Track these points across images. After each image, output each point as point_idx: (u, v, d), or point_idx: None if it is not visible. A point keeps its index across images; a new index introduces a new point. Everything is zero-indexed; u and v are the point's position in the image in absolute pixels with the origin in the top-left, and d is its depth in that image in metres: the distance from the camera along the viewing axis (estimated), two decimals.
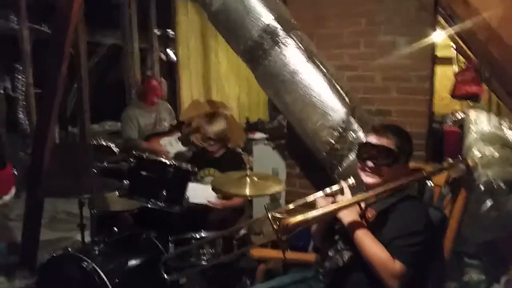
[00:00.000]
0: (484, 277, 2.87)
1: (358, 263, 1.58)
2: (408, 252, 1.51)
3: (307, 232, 1.71)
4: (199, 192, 2.63)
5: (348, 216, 1.60)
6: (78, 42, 4.30)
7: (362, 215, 1.65)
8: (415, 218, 1.57)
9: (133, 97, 5.12)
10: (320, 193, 1.71)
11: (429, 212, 1.68)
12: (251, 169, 3.37)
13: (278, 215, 1.50)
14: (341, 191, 1.68)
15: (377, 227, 1.60)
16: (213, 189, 2.41)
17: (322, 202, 1.66)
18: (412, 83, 2.90)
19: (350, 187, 1.67)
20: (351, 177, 1.69)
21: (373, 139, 1.69)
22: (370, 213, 1.65)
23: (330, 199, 1.67)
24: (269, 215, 1.51)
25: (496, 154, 3.02)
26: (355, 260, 1.60)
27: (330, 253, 1.75)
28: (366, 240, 1.54)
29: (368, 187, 1.68)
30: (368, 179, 1.68)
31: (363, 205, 1.66)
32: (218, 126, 3.04)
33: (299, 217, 1.50)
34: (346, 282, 1.66)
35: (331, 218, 1.69)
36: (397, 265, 1.49)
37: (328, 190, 1.70)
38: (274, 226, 1.48)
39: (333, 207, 1.59)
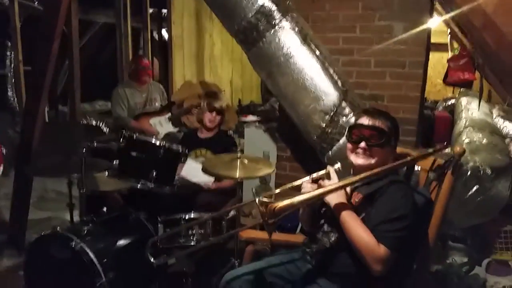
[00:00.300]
0: (467, 260, 2.92)
1: (344, 245, 1.60)
2: (393, 237, 1.52)
3: (294, 214, 1.71)
4: (199, 172, 2.62)
5: (334, 200, 1.61)
6: (70, 20, 4.21)
7: (349, 199, 1.67)
8: (401, 203, 1.58)
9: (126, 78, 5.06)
10: (307, 178, 1.72)
11: (415, 196, 1.70)
12: (242, 151, 3.37)
13: (265, 200, 1.51)
14: (327, 176, 1.68)
15: (364, 211, 1.62)
16: (204, 170, 2.40)
17: (308, 187, 1.68)
18: (405, 68, 2.89)
19: (336, 171, 1.68)
20: (338, 162, 1.71)
21: (365, 120, 1.70)
22: (357, 197, 1.67)
23: (316, 185, 1.68)
24: (256, 200, 1.52)
25: (485, 141, 3.05)
26: (341, 242, 1.62)
27: (318, 235, 1.78)
28: (352, 223, 1.56)
29: (358, 169, 1.70)
30: (359, 160, 1.69)
31: (349, 189, 1.68)
32: (224, 101, 3.10)
33: (285, 202, 1.51)
34: (332, 263, 1.69)
35: (318, 202, 1.71)
36: (381, 249, 1.51)
37: (315, 175, 1.70)
38: (261, 210, 1.49)
39: (319, 191, 1.60)
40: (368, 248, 1.51)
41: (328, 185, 1.63)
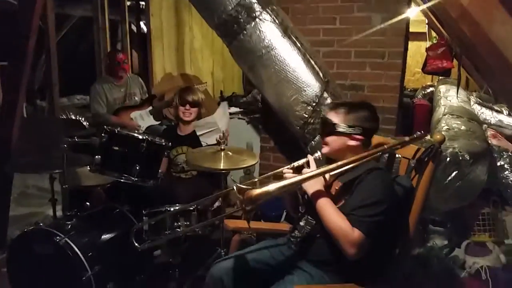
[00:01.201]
0: (447, 242, 3.01)
1: (324, 232, 1.64)
2: (367, 222, 1.57)
3: (278, 203, 1.75)
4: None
5: (312, 187, 1.67)
6: (46, 14, 4.12)
7: (329, 187, 1.73)
8: (378, 189, 1.63)
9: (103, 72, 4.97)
10: (287, 167, 1.77)
11: (396, 183, 1.75)
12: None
13: (243, 186, 1.53)
14: (307, 164, 1.74)
15: (343, 198, 1.68)
16: (188, 163, 2.41)
17: (289, 175, 1.72)
18: (385, 59, 2.94)
19: (316, 160, 1.74)
20: (318, 151, 1.77)
21: (325, 114, 1.82)
22: (337, 185, 1.72)
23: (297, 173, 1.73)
24: (234, 186, 1.55)
25: (463, 127, 3.13)
26: (321, 229, 1.66)
27: (301, 223, 1.82)
28: (328, 209, 1.61)
29: (328, 159, 1.79)
30: (322, 150, 1.80)
31: (330, 178, 1.72)
32: (197, 95, 3.03)
33: (262, 189, 1.53)
34: (314, 250, 1.75)
35: (297, 190, 1.77)
36: (355, 234, 1.55)
37: (295, 163, 1.76)
38: (239, 197, 1.52)
39: (295, 179, 1.63)
40: (342, 232, 1.56)
41: (305, 173, 1.68)
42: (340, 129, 1.72)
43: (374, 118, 1.78)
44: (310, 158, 1.75)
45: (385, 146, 1.71)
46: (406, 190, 1.77)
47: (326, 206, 1.62)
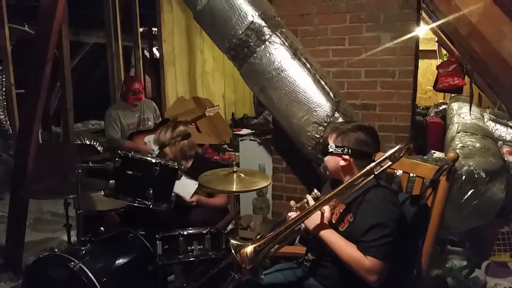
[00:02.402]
0: (466, 263, 2.94)
1: (330, 256, 1.66)
2: (376, 246, 1.54)
3: None
4: (182, 184, 2.60)
5: (312, 224, 1.68)
6: (61, 42, 4.23)
7: (332, 211, 1.75)
8: (377, 209, 1.61)
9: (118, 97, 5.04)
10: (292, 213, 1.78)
11: (410, 202, 1.74)
12: (237, 165, 3.37)
13: (238, 243, 1.56)
14: (307, 203, 1.76)
15: (346, 220, 1.69)
16: (200, 186, 2.41)
17: (293, 215, 1.74)
18: (395, 77, 2.94)
19: (314, 198, 1.74)
20: (315, 189, 1.78)
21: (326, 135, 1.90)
22: (341, 208, 1.73)
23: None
24: (230, 243, 1.57)
25: (478, 145, 3.08)
26: (327, 253, 1.68)
27: (313, 245, 1.82)
28: (336, 243, 1.62)
29: (333, 180, 1.90)
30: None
31: (328, 208, 1.73)
32: (162, 135, 2.91)
33: (252, 246, 1.53)
34: (324, 271, 1.75)
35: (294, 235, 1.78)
36: (368, 261, 1.53)
37: (298, 205, 1.78)
38: (237, 257, 1.54)
39: (290, 223, 1.64)
40: (355, 262, 1.55)
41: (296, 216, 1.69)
42: (330, 149, 1.80)
43: (367, 142, 1.78)
44: (309, 197, 1.77)
45: (374, 171, 1.69)
46: (421, 210, 1.75)
47: (333, 239, 1.63)
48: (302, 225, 1.70)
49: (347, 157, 1.76)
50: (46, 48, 2.90)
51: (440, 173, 1.75)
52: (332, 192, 1.66)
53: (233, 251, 1.55)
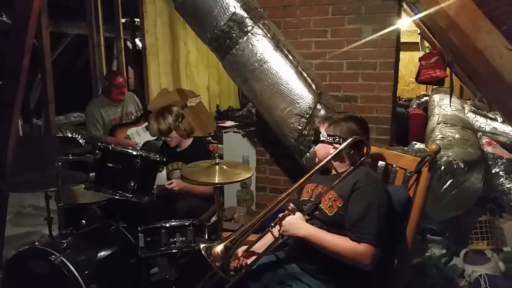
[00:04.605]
0: (445, 251, 3.00)
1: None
2: (370, 233, 1.58)
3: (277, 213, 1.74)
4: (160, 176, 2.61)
5: (291, 229, 1.69)
6: (41, 32, 4.15)
7: (311, 213, 1.77)
8: (370, 198, 1.64)
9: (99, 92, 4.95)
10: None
11: (392, 193, 1.76)
12: (221, 157, 3.37)
13: (205, 245, 1.61)
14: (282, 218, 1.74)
15: (335, 205, 1.71)
16: (182, 178, 2.41)
17: (275, 231, 1.75)
18: (377, 70, 2.97)
19: (292, 210, 1.73)
20: (291, 203, 1.75)
21: (318, 125, 1.94)
22: (330, 194, 1.74)
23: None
24: (201, 246, 1.62)
25: (457, 136, 3.14)
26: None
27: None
28: (323, 239, 1.64)
29: (324, 170, 1.87)
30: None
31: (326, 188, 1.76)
32: (163, 124, 2.92)
33: (222, 244, 1.60)
34: (308, 258, 1.76)
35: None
36: (362, 247, 1.57)
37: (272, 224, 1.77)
38: (209, 258, 1.58)
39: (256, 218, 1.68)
40: (349, 252, 1.59)
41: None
42: (322, 138, 1.84)
43: (358, 132, 1.81)
44: (281, 215, 1.75)
45: (333, 152, 1.79)
46: (403, 200, 1.79)
47: (318, 237, 1.65)
48: (285, 234, 1.71)
49: (338, 145, 1.80)
50: (24, 38, 2.85)
51: (422, 165, 1.78)
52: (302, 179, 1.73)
53: (204, 253, 1.58)
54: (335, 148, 1.80)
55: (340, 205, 1.69)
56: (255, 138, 3.60)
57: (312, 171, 1.77)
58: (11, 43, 2.99)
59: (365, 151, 1.84)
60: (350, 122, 1.83)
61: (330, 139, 1.81)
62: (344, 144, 1.77)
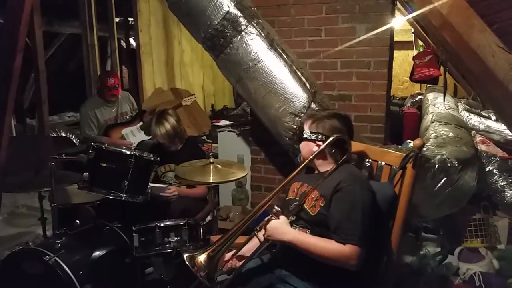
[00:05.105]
0: (440, 249, 3.02)
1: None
2: (355, 234, 1.57)
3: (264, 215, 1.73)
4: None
5: (276, 234, 1.66)
6: (34, 32, 4.12)
7: (296, 213, 1.75)
8: (354, 198, 1.63)
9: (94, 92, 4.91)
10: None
11: (378, 190, 1.76)
12: (215, 156, 3.37)
13: (188, 254, 1.59)
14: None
15: (317, 205, 1.70)
16: (177, 178, 2.41)
17: (260, 235, 1.72)
18: (371, 68, 2.98)
19: (276, 213, 1.71)
20: (275, 206, 1.73)
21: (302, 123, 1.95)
22: (314, 194, 1.73)
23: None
24: (184, 256, 1.59)
25: (451, 134, 3.15)
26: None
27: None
28: (308, 243, 1.62)
29: (308, 168, 1.89)
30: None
31: (309, 189, 1.76)
32: (166, 126, 2.91)
33: (205, 254, 1.57)
34: (295, 260, 1.73)
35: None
36: (348, 249, 1.56)
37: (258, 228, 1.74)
38: (192, 267, 1.56)
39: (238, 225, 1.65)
40: (335, 254, 1.57)
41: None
42: (305, 135, 1.84)
43: (342, 129, 1.81)
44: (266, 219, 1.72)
45: (316, 150, 1.79)
46: (389, 198, 1.78)
47: (303, 242, 1.62)
48: (269, 239, 1.69)
49: (320, 143, 1.79)
50: (16, 37, 2.82)
51: (407, 161, 1.78)
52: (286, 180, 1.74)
53: (187, 263, 1.56)
54: (318, 145, 1.80)
55: (322, 205, 1.68)
56: (250, 137, 3.60)
57: (296, 171, 1.77)
58: (3, 42, 2.97)
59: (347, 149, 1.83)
60: (333, 120, 1.82)
61: (313, 137, 1.81)
62: (326, 143, 1.76)
